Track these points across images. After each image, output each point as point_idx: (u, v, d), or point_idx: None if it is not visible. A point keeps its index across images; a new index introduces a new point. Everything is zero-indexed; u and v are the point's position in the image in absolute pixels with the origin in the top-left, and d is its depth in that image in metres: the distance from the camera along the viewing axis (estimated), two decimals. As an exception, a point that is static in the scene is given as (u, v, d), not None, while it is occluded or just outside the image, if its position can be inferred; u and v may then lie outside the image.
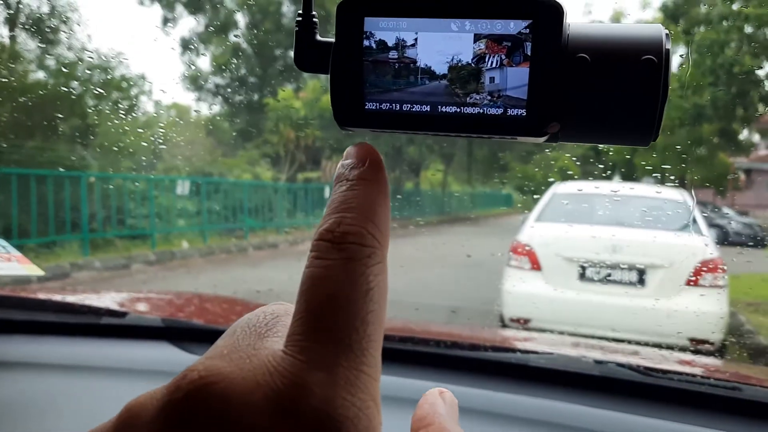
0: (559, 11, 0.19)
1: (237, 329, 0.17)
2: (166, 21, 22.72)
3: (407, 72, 0.20)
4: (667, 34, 0.20)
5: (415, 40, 0.20)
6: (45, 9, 13.07)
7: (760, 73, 13.59)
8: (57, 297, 1.05)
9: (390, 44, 0.20)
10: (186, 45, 24.04)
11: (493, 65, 0.20)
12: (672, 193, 4.80)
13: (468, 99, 0.20)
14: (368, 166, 0.18)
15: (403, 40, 0.20)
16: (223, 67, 20.53)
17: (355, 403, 0.15)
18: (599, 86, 0.20)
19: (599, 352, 1.07)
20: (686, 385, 0.86)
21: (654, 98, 0.20)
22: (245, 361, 0.15)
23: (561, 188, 4.91)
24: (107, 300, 1.12)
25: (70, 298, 1.07)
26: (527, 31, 0.20)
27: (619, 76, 0.20)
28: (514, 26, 0.20)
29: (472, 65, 0.20)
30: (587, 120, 0.20)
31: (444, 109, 0.20)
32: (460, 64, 0.20)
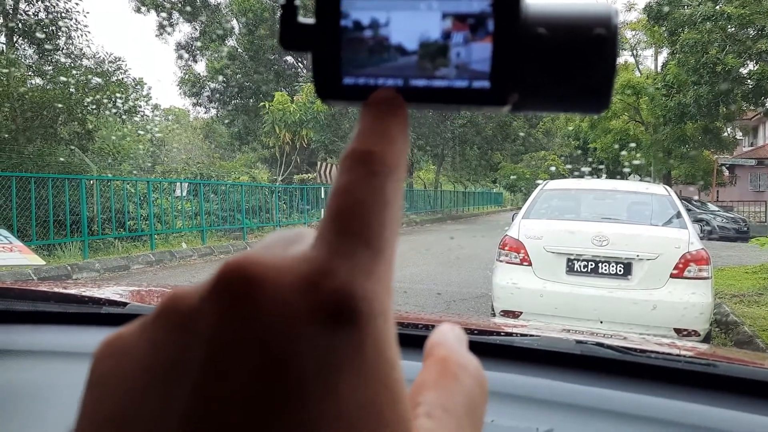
0: None
1: (269, 240, 0.20)
2: (162, 27, 22.39)
3: (381, 49, 0.22)
4: (615, 11, 0.22)
5: (388, 19, 0.22)
6: (42, 15, 12.92)
7: (743, 71, 13.74)
8: (59, 288, 1.07)
9: (365, 23, 0.22)
10: (183, 51, 23.59)
11: (459, 41, 0.22)
12: (657, 189, 4.86)
13: (437, 72, 0.22)
14: (388, 104, 0.21)
15: (376, 19, 0.22)
16: (220, 72, 20.35)
17: (371, 288, 0.18)
18: (556, 59, 0.21)
19: (581, 335, 1.10)
20: (663, 362, 0.89)
21: (605, 69, 0.21)
22: (278, 255, 0.18)
23: (549, 185, 4.93)
24: (108, 291, 1.14)
25: (72, 290, 1.09)
26: (489, 9, 0.21)
27: (573, 49, 0.21)
28: (477, 5, 0.21)
29: (440, 41, 0.22)
30: (546, 90, 0.22)
31: (415, 83, 0.22)
32: (429, 41, 0.22)
